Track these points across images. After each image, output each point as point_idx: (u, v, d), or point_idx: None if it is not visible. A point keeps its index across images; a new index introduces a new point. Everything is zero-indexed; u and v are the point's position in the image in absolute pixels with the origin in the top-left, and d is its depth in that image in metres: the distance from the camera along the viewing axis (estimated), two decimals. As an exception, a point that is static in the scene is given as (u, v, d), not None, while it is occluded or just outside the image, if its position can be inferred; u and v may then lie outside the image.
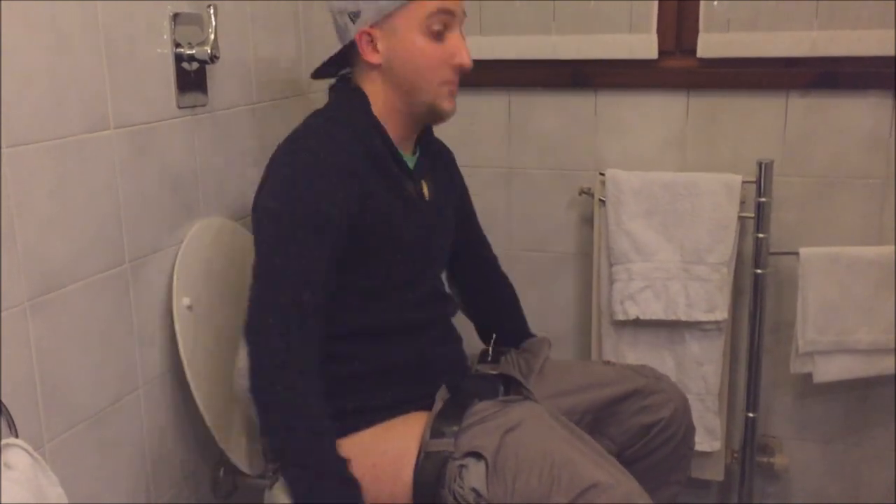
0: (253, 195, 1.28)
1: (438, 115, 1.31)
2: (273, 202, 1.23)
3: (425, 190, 1.39)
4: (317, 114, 1.33)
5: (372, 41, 1.27)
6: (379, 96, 1.30)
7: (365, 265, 1.28)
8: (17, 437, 1.00)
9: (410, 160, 1.37)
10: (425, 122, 1.36)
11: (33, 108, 1.08)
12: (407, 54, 1.26)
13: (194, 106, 1.41)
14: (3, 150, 1.04)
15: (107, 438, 1.25)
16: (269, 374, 1.18)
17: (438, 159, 1.47)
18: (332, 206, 1.21)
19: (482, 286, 1.67)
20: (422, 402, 1.34)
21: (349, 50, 1.32)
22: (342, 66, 1.38)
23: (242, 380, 1.20)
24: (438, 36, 1.25)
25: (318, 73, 1.42)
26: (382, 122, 1.30)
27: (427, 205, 1.38)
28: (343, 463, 1.19)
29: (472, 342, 1.60)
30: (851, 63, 1.74)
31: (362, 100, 1.30)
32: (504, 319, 1.67)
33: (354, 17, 1.28)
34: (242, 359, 1.21)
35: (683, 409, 1.47)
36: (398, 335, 1.34)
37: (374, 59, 1.28)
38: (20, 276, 1.07)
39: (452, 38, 1.25)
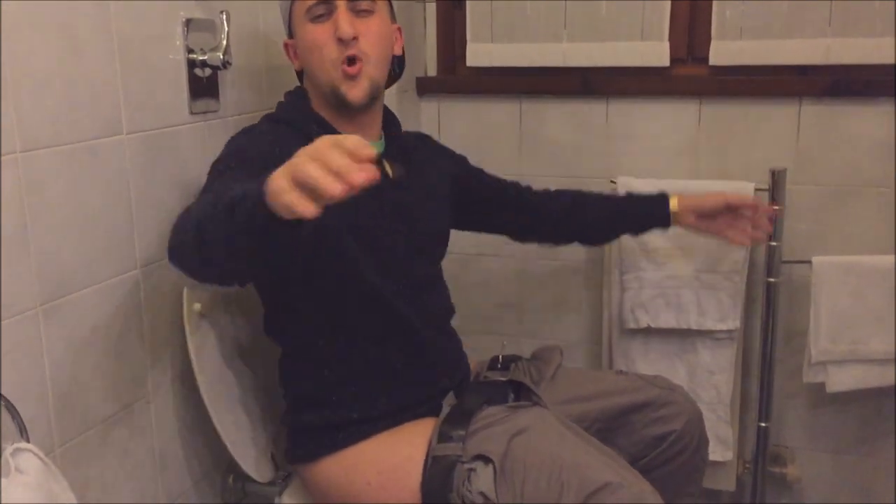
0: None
1: (344, 103, 1.30)
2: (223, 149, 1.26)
3: (389, 169, 1.36)
4: (263, 118, 1.37)
5: (293, 50, 1.38)
6: (313, 96, 1.36)
7: (328, 248, 1.26)
8: (28, 441, 1.00)
9: (373, 146, 1.36)
10: (346, 113, 1.34)
11: (47, 113, 1.09)
12: (302, 44, 1.33)
13: (206, 112, 1.41)
14: (17, 155, 1.04)
15: (117, 443, 1.25)
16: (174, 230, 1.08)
17: (417, 148, 1.49)
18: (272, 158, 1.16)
19: (562, 218, 1.62)
20: (423, 407, 1.34)
21: None
22: None
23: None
24: (324, 19, 1.30)
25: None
26: (325, 117, 1.34)
27: (393, 182, 1.35)
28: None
29: (475, 347, 1.59)
30: (865, 71, 1.73)
31: (303, 99, 1.37)
32: (604, 214, 1.63)
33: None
34: None
35: (696, 421, 1.45)
36: (387, 332, 1.33)
37: (296, 65, 1.39)
38: (33, 281, 1.08)
39: (336, 16, 1.29)
